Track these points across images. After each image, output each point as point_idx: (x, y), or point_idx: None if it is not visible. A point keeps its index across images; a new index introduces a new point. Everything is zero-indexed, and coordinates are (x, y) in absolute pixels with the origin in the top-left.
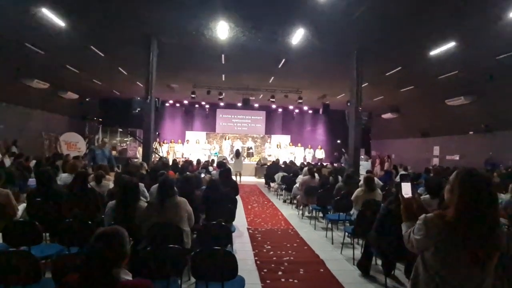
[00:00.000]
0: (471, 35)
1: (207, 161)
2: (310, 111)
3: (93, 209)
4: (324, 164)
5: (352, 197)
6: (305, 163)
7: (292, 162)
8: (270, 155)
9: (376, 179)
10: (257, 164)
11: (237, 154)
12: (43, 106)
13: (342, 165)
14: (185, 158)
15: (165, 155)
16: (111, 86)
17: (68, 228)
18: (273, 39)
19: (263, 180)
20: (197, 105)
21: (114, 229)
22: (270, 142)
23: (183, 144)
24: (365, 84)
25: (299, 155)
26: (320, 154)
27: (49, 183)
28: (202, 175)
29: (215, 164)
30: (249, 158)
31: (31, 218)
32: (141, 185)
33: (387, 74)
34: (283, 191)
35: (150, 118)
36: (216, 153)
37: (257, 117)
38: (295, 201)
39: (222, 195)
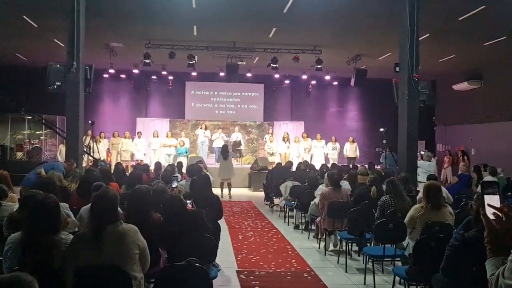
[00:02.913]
0: None
1: (171, 165)
2: (336, 83)
3: None
4: (358, 166)
5: (406, 219)
6: (329, 165)
7: (306, 164)
8: (272, 154)
9: (444, 189)
10: (251, 168)
11: (225, 152)
12: None
13: (387, 167)
14: (137, 161)
15: (103, 156)
16: (12, 46)
17: None
18: None
19: (261, 194)
20: (154, 76)
21: (15, 278)
22: (271, 134)
23: (132, 139)
24: (425, 36)
25: (319, 153)
26: (353, 150)
27: None
28: (175, 184)
29: (184, 170)
30: (236, 159)
31: None
32: (64, 205)
33: (461, 18)
34: (294, 210)
35: (78, 98)
36: (186, 151)
37: (250, 93)
38: (313, 227)
39: (194, 219)
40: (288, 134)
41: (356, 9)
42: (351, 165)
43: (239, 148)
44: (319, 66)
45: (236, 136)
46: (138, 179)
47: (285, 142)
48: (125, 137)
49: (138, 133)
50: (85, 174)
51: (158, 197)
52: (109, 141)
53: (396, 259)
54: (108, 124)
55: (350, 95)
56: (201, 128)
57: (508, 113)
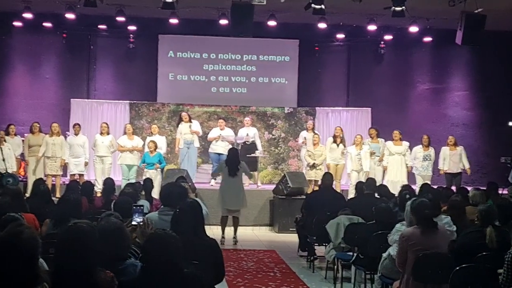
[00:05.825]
0: None
1: (133, 185)
2: (428, 39)
3: None
4: (469, 189)
5: None
6: (416, 187)
7: (373, 185)
8: (314, 166)
9: None
10: (275, 192)
11: (233, 163)
12: None
13: None
14: (72, 176)
15: (13, 168)
16: None
17: None
18: None
19: (293, 238)
20: (103, 26)
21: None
22: (313, 129)
23: (65, 136)
24: None
25: (398, 164)
26: (456, 160)
27: None
28: (139, 219)
29: (155, 194)
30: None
31: None
32: None
33: None
34: (353, 268)
35: None
36: (160, 160)
37: (275, 57)
38: None
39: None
40: (342, 130)
41: None
42: (454, 187)
43: (252, 155)
44: (398, 9)
45: (247, 133)
46: (74, 209)
47: (338, 145)
48: (51, 134)
49: (74, 126)
50: None
51: (111, 240)
52: (23, 141)
53: None
54: (21, 111)
55: (454, 62)
56: (186, 120)
57: None
